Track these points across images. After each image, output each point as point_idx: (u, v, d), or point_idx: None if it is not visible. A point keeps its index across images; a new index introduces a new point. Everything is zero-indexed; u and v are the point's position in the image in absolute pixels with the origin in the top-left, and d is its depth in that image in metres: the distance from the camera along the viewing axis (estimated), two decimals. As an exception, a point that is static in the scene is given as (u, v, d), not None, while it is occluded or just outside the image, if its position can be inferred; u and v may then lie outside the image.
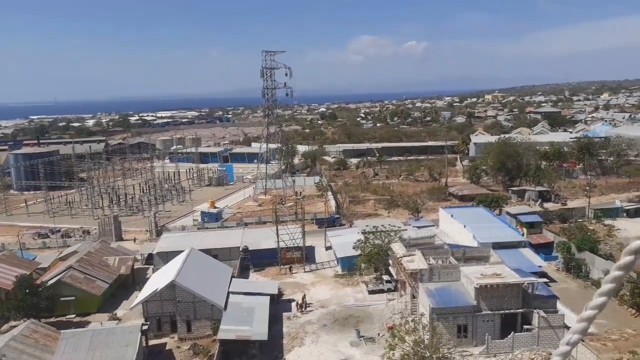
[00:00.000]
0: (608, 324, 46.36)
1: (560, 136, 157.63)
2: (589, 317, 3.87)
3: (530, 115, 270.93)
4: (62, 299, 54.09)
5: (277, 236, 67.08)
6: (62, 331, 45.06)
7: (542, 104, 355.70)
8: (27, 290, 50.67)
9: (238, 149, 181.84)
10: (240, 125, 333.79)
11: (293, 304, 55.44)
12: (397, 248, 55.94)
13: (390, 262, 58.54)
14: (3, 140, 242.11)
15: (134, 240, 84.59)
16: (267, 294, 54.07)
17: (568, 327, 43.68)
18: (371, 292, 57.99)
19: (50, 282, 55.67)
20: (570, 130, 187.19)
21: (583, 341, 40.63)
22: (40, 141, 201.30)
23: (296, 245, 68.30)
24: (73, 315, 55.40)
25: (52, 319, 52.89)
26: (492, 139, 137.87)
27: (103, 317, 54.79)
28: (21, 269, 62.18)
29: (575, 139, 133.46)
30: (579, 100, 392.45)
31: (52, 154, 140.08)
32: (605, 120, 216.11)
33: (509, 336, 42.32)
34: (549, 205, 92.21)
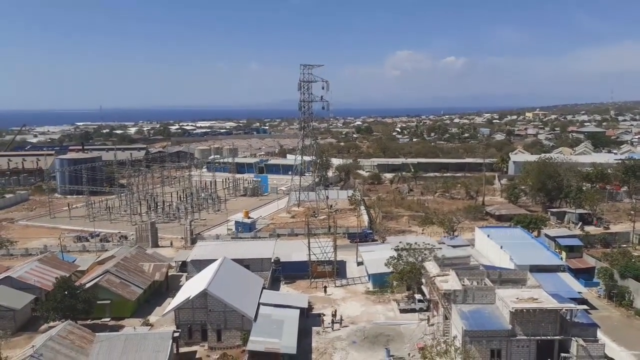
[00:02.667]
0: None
1: (604, 157, 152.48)
2: None
3: (573, 134, 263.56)
4: (98, 302, 55.49)
5: (309, 249, 67.06)
6: (97, 334, 46.18)
7: (586, 123, 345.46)
8: (66, 292, 52.19)
9: (273, 161, 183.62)
10: (276, 137, 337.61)
11: (325, 318, 54.98)
12: (431, 267, 54.98)
13: (423, 281, 57.54)
14: (51, 146, 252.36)
15: (171, 243, 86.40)
16: (297, 307, 53.97)
17: (609, 358, 41.81)
18: (403, 310, 57.09)
19: (87, 285, 57.25)
20: (614, 151, 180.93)
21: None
22: (85, 147, 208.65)
23: (327, 259, 68.10)
24: (108, 319, 56.71)
25: (88, 321, 54.30)
26: (532, 158, 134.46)
27: (136, 322, 55.86)
28: (61, 270, 64.35)
29: (620, 161, 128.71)
30: (625, 120, 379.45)
31: (95, 160, 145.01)
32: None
33: (545, 364, 40.79)
34: (590, 229, 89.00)
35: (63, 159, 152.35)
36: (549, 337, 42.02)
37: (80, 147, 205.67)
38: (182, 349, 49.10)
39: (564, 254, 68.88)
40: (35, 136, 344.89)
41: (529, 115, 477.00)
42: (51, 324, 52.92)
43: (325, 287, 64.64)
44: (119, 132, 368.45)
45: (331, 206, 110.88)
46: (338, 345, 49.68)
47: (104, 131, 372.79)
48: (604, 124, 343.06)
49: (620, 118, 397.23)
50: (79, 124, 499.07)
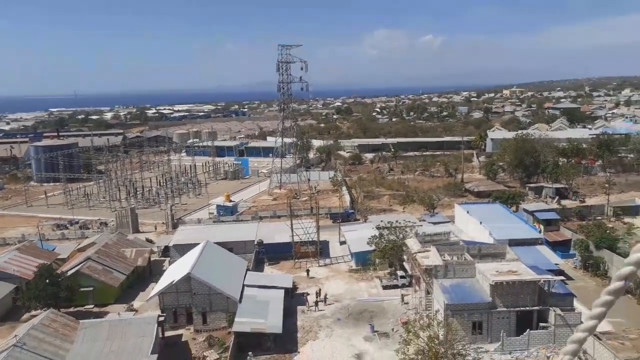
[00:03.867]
0: (626, 323, 45.78)
1: (579, 132, 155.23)
2: (579, 339, 3.82)
3: (549, 111, 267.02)
4: (80, 289, 55.05)
5: (292, 230, 67.33)
6: (80, 321, 45.92)
7: (561, 100, 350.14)
8: (47, 280, 51.60)
9: (254, 143, 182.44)
10: (255, 119, 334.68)
11: (310, 298, 55.45)
12: (412, 244, 55.82)
13: (405, 257, 58.43)
14: (24, 133, 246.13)
15: (155, 228, 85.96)
16: (281, 288, 54.39)
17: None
18: (385, 287, 57.98)
19: (69, 273, 56.68)
20: (589, 126, 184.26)
21: (600, 340, 40.21)
22: (60, 134, 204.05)
23: (311, 239, 68.52)
24: (91, 306, 56.40)
25: (71, 309, 53.89)
26: (510, 134, 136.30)
27: (120, 308, 55.66)
28: (41, 259, 63.39)
29: (594, 136, 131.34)
30: (599, 96, 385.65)
31: (71, 147, 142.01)
32: (626, 117, 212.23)
33: (524, 333, 42.04)
34: (566, 203, 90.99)
35: (38, 146, 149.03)
36: (528, 308, 43.26)
37: (56, 134, 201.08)
38: (168, 333, 49.18)
39: (541, 228, 70.46)
40: (8, 123, 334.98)
41: (506, 92, 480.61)
42: (33, 312, 52.36)
43: (307, 270, 64.66)
44: (94, 117, 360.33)
45: (313, 187, 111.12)
46: (323, 323, 50.36)
47: (80, 117, 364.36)
48: (579, 100, 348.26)
49: (595, 94, 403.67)
50: (52, 110, 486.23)
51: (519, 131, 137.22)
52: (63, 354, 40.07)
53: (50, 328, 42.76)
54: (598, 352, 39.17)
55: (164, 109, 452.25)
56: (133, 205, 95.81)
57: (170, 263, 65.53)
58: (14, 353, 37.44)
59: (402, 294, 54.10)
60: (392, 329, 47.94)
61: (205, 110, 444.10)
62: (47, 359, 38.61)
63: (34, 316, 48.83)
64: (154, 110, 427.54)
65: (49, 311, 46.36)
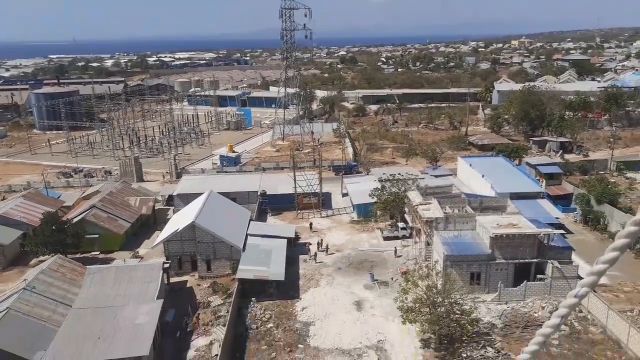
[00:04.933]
0: (621, 276, 46.65)
1: (588, 85, 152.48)
2: (599, 270, 3.92)
3: (558, 62, 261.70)
4: (86, 236, 56.03)
5: (295, 182, 67.66)
6: (87, 266, 47.02)
7: (571, 51, 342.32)
8: (54, 227, 52.50)
9: (256, 93, 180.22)
10: (258, 68, 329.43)
11: (312, 247, 56.36)
12: (414, 196, 56.17)
13: (406, 209, 58.94)
14: (24, 80, 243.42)
15: (163, 176, 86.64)
16: (284, 237, 55.26)
17: (581, 278, 44.18)
18: (386, 238, 58.84)
19: (75, 220, 57.54)
20: (598, 79, 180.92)
21: (595, 292, 41.09)
22: (60, 81, 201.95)
23: (313, 191, 68.97)
24: (97, 252, 57.57)
25: (77, 255, 55.09)
26: (517, 86, 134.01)
27: (125, 255, 56.80)
28: (47, 206, 64.30)
29: (602, 89, 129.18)
30: (610, 47, 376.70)
31: (72, 94, 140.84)
32: (637, 70, 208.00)
33: (521, 285, 42.95)
34: (570, 157, 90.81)
35: (39, 93, 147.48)
36: (526, 260, 44.00)
37: (56, 81, 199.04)
38: (173, 279, 50.45)
39: (543, 182, 70.62)
40: (8, 70, 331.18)
41: (515, 43, 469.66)
42: (41, 258, 53.61)
43: (310, 223, 64.84)
44: (95, 64, 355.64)
45: (316, 139, 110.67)
46: (324, 271, 51.47)
47: (80, 64, 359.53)
48: (589, 51, 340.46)
49: (605, 45, 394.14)
50: (52, 56, 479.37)
51: (526, 83, 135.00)
52: (71, 297, 41.32)
53: (58, 273, 43.88)
54: (592, 304, 40.12)
55: (165, 56, 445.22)
56: (137, 155, 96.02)
57: (174, 212, 66.34)
58: (24, 296, 38.63)
59: (395, 247, 54.75)
60: (392, 278, 49.03)
61: (207, 58, 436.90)
62: (56, 302, 39.86)
63: (42, 261, 50.01)
64: (154, 58, 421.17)
65: (56, 257, 47.42)
